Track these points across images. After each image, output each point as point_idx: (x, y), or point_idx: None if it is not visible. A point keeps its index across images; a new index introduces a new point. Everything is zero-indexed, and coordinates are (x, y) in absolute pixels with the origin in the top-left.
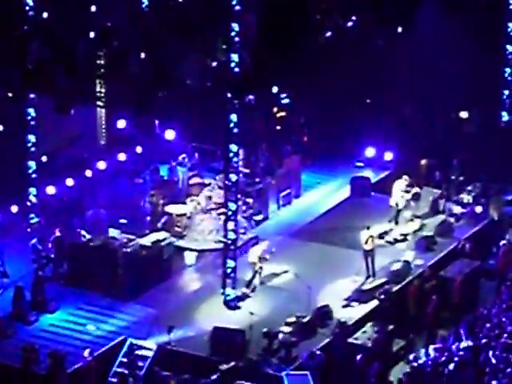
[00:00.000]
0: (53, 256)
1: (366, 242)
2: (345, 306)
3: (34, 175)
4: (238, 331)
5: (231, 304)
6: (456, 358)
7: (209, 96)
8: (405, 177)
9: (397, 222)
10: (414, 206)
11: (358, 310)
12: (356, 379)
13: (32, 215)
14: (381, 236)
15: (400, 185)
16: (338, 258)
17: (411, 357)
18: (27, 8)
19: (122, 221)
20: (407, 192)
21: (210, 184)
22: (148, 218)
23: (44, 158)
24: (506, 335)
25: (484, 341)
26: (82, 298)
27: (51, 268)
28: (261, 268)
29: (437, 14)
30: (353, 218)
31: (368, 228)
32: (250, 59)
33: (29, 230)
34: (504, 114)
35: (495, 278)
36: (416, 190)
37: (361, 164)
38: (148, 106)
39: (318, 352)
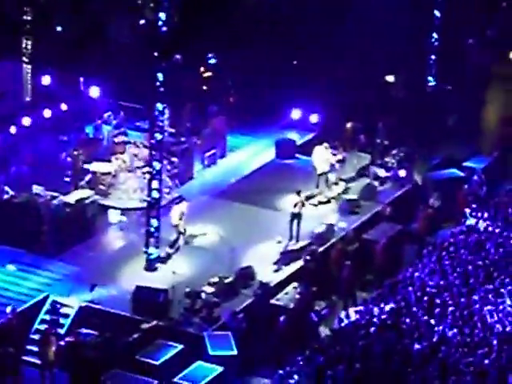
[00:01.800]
0: None
1: (295, 206)
2: (276, 271)
3: None
4: (160, 290)
5: (152, 264)
6: (376, 321)
7: (135, 54)
8: (325, 144)
9: (317, 186)
10: (338, 170)
11: (282, 272)
12: (277, 340)
13: None
14: (307, 198)
15: (320, 151)
16: (262, 220)
17: (333, 319)
18: None
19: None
20: (334, 155)
21: (134, 142)
22: (68, 173)
23: None
24: (426, 298)
25: (404, 304)
26: (6, 255)
27: None
28: (185, 229)
29: None
30: (277, 179)
31: (298, 193)
32: (177, 18)
33: None
34: (430, 78)
35: (416, 241)
36: (341, 155)
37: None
38: (73, 62)
39: (240, 313)
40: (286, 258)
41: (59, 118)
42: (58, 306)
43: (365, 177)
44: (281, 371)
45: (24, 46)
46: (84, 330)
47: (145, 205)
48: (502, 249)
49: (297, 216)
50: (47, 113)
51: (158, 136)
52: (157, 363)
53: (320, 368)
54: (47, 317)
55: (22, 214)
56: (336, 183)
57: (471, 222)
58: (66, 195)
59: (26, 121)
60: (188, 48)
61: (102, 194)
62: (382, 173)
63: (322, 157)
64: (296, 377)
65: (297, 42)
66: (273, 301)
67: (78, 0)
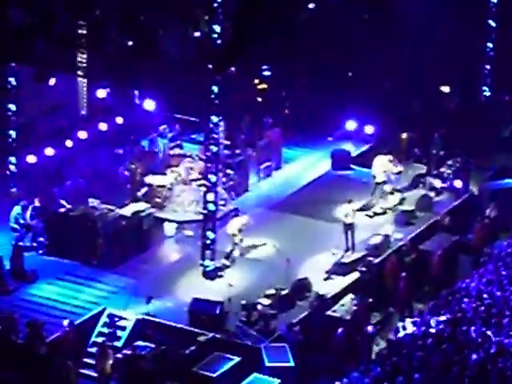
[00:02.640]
0: (32, 225)
1: (347, 216)
2: (326, 279)
3: (14, 144)
4: (216, 302)
5: (210, 275)
6: (433, 331)
7: (190, 67)
8: (389, 157)
9: (372, 194)
10: (394, 181)
11: (337, 283)
12: (334, 352)
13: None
14: (361, 209)
15: (382, 160)
16: (317, 231)
17: (390, 331)
18: None
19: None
20: (394, 167)
21: (190, 155)
22: (128, 186)
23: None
24: (483, 308)
25: (461, 314)
26: (62, 267)
27: (30, 238)
28: (241, 240)
29: None
30: (333, 191)
31: (349, 202)
32: (231, 31)
33: (11, 197)
34: (485, 88)
35: (473, 252)
36: (400, 168)
37: (330, 139)
38: (128, 76)
39: (297, 325)
40: (341, 269)
41: (115, 132)
42: (115, 318)
43: (420, 187)
44: (338, 383)
45: (79, 59)
46: (141, 343)
47: (200, 217)
48: None
49: (350, 226)
50: (103, 126)
51: (214, 148)
52: (214, 375)
53: (377, 380)
54: (104, 329)
55: (78, 227)
56: (392, 193)
57: None
58: (122, 208)
59: (82, 134)
60: (242, 60)
61: (157, 206)
62: (437, 183)
63: (383, 167)
64: None
65: (351, 53)
66: (329, 312)
67: (131, 13)
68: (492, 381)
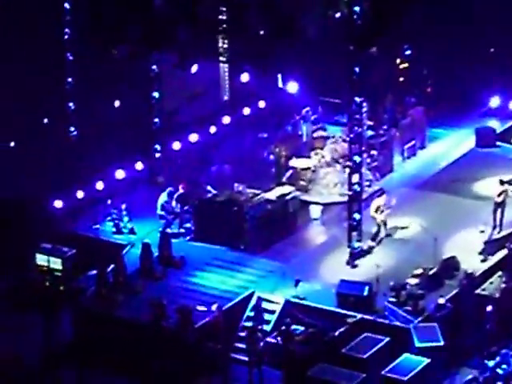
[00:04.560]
0: (179, 212)
1: (499, 195)
2: (483, 261)
3: (158, 132)
4: (364, 284)
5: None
6: None
7: (332, 48)
8: None
9: None
10: None
11: (487, 261)
12: (484, 330)
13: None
14: (510, 183)
15: None
16: (464, 209)
17: None
18: None
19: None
20: None
21: (333, 137)
22: (273, 170)
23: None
24: None
25: None
26: (209, 253)
27: (178, 224)
28: (384, 221)
29: None
30: (478, 168)
31: (502, 182)
32: (371, 10)
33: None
34: None
35: None
36: None
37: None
38: (270, 59)
39: (447, 303)
40: (491, 247)
41: (258, 116)
42: (264, 302)
43: None
44: (489, 362)
45: (220, 45)
46: (291, 326)
47: (345, 199)
48: None
49: (501, 205)
50: (246, 111)
51: (357, 129)
52: (364, 357)
53: None
54: (253, 314)
55: (225, 212)
56: None
57: None
58: (267, 192)
59: (226, 119)
60: (383, 40)
61: (302, 189)
62: None
63: None
64: (505, 366)
65: (493, 29)
66: (478, 291)
67: None
68: None
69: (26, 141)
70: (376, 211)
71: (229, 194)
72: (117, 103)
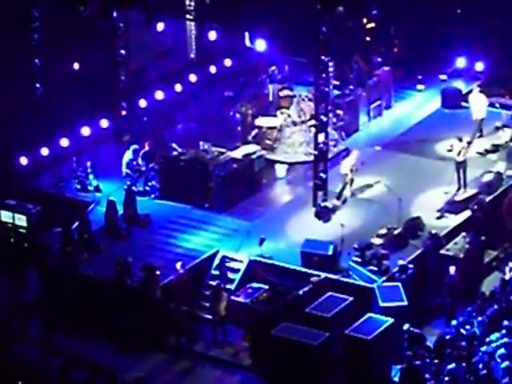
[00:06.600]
0: (144, 170)
1: (459, 154)
2: (439, 218)
3: (124, 89)
4: (329, 243)
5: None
6: None
7: (299, 7)
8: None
9: (481, 131)
10: (504, 117)
11: (450, 222)
12: (448, 290)
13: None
14: (469, 143)
15: (475, 96)
16: (429, 170)
17: (507, 268)
18: None
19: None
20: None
21: (300, 96)
22: (238, 129)
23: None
24: None
25: None
26: (174, 211)
27: (143, 182)
28: (352, 180)
29: None
30: (443, 129)
31: (460, 139)
32: None
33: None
34: None
35: None
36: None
37: (444, 77)
38: (237, 17)
39: (408, 265)
40: (453, 207)
41: (225, 74)
42: (228, 260)
43: None
44: (453, 321)
45: (187, 3)
46: (254, 285)
47: (311, 158)
48: None
49: (462, 164)
50: (213, 69)
51: (324, 89)
52: (328, 316)
53: (493, 317)
54: (217, 272)
55: (190, 171)
56: (502, 130)
57: None
58: (233, 151)
59: (192, 78)
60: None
61: (268, 148)
62: None
63: (478, 103)
64: (468, 327)
65: None
66: (442, 251)
67: None
68: None
69: None
70: (350, 170)
71: (194, 152)
72: (82, 61)
